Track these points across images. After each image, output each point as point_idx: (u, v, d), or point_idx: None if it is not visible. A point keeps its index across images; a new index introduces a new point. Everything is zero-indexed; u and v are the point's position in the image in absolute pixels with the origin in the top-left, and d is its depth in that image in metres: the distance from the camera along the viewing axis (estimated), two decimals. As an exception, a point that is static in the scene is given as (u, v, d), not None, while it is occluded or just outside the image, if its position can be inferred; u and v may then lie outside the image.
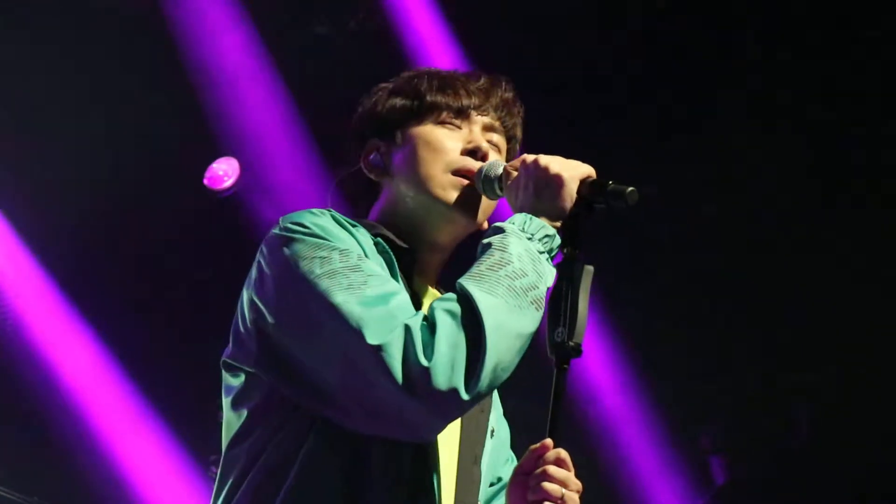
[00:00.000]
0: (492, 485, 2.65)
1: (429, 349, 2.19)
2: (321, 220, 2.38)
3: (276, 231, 2.39)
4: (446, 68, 2.72)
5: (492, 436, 2.60)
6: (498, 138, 2.61)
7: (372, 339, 2.20)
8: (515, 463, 2.69)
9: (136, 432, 6.86)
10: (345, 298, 2.23)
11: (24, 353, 6.68)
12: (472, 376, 2.20)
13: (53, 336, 6.72)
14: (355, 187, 2.66)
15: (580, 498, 2.39)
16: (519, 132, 2.67)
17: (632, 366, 6.98)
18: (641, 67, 6.47)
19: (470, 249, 2.69)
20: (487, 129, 2.60)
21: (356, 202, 2.66)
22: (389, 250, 2.44)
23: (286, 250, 2.33)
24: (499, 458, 2.67)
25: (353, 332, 2.21)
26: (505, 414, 2.76)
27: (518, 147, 2.69)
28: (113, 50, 6.28)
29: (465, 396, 2.19)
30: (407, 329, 2.21)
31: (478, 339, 2.21)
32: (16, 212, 6.55)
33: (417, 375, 2.18)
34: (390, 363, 2.18)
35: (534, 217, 2.39)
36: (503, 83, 2.65)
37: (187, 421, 6.74)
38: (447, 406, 2.21)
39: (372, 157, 2.61)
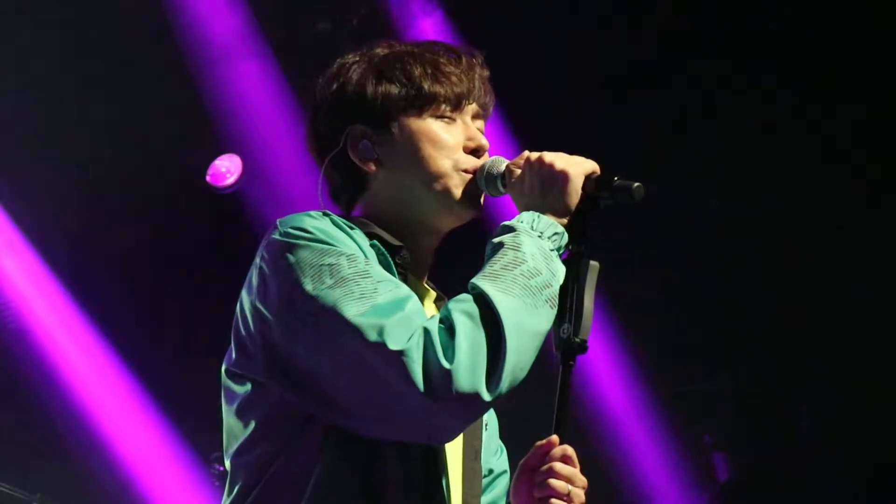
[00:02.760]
0: (483, 477, 2.63)
1: (449, 351, 2.18)
2: (321, 223, 2.33)
3: (276, 236, 2.32)
4: (416, 40, 2.66)
5: (486, 428, 2.59)
6: (482, 124, 2.59)
7: (393, 346, 2.17)
8: (505, 454, 2.71)
9: (139, 429, 6.87)
10: (360, 308, 2.21)
11: (28, 352, 6.69)
12: (492, 377, 2.19)
13: (57, 335, 6.73)
14: (338, 176, 2.56)
15: (585, 494, 2.38)
16: (492, 108, 2.63)
17: (635, 363, 6.97)
18: (642, 65, 6.47)
19: (456, 249, 2.69)
20: (475, 117, 2.57)
21: (338, 193, 2.57)
22: (385, 252, 2.41)
23: (291, 257, 2.28)
24: (490, 450, 2.65)
25: (372, 341, 2.18)
26: (504, 411, 2.75)
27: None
28: (114, 47, 6.28)
29: (486, 398, 2.19)
30: (426, 332, 2.20)
31: (497, 340, 2.20)
32: (18, 211, 6.55)
33: (439, 378, 2.17)
34: (411, 367, 2.16)
35: (541, 215, 2.38)
36: (479, 59, 2.60)
37: (190, 417, 6.74)
38: (469, 408, 2.21)
39: (362, 144, 2.52)
